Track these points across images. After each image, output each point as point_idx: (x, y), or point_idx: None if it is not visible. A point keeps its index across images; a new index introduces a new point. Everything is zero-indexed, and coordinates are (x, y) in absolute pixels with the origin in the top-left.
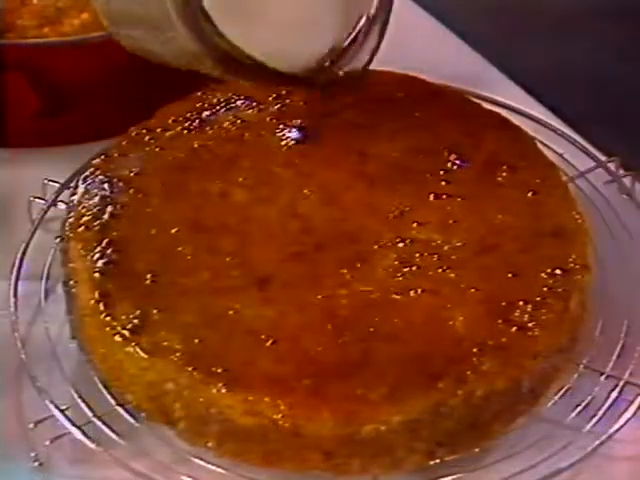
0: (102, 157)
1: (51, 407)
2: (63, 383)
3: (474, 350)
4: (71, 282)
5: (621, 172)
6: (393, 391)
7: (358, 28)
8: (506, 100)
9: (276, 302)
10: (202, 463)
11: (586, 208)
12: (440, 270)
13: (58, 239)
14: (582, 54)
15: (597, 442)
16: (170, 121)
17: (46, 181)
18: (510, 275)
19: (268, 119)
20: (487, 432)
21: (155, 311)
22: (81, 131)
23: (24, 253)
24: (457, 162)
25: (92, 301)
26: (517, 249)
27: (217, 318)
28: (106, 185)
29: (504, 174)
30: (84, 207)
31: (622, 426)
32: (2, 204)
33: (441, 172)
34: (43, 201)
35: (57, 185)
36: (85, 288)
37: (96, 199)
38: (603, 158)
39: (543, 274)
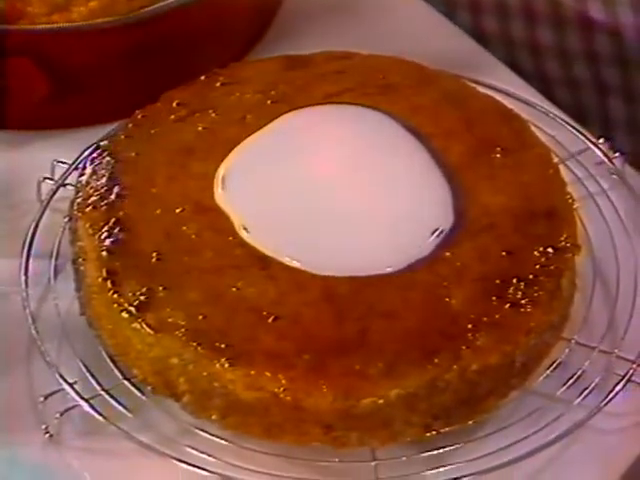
0: (109, 139)
1: (60, 381)
2: (72, 358)
3: (469, 327)
4: (80, 260)
5: (611, 154)
6: (390, 366)
7: None
8: (499, 84)
9: (277, 280)
10: (206, 435)
11: (577, 189)
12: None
13: (67, 218)
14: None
15: (587, 415)
16: (175, 104)
17: (55, 162)
18: (504, 254)
19: (269, 102)
20: (481, 406)
21: (160, 289)
22: (89, 114)
23: (34, 232)
24: (450, 143)
25: (100, 279)
26: (510, 229)
27: (220, 296)
28: (113, 166)
29: (498, 156)
30: (92, 187)
31: (612, 399)
32: (12, 185)
33: (436, 154)
34: (52, 182)
35: (66, 166)
36: (93, 266)
37: (103, 180)
38: (594, 140)
39: (536, 253)
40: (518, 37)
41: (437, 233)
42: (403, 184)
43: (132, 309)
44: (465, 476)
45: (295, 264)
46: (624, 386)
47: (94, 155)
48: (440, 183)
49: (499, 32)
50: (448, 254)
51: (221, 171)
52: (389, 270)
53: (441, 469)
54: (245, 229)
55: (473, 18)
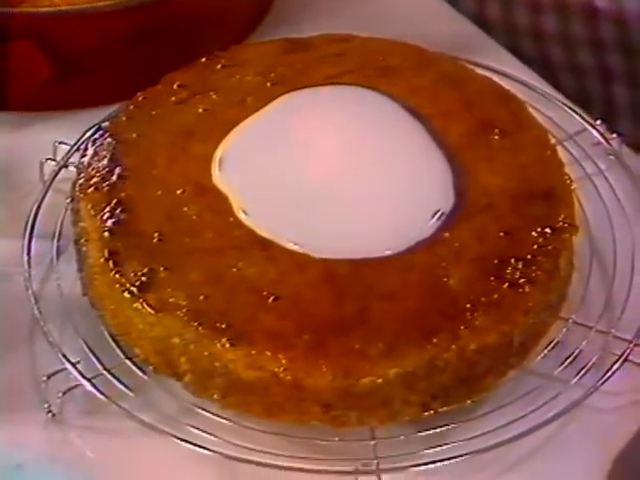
0: (110, 121)
1: (63, 360)
2: (74, 337)
3: (467, 307)
4: (82, 241)
5: (608, 135)
6: (390, 346)
7: None
8: (497, 65)
9: (277, 261)
10: (207, 414)
11: (575, 169)
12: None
13: (69, 199)
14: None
15: (585, 394)
16: (176, 86)
17: (57, 143)
18: (502, 234)
19: (269, 84)
20: (479, 385)
21: (162, 269)
22: (91, 96)
23: (36, 213)
24: (450, 125)
25: (102, 259)
26: (509, 209)
27: (221, 276)
28: (114, 147)
29: (496, 137)
30: (93, 169)
31: (608, 378)
32: (15, 166)
33: (436, 135)
34: (54, 162)
35: (67, 147)
36: (95, 247)
37: (105, 161)
38: (591, 121)
39: (533, 233)
40: (522, 24)
41: (438, 215)
42: (403, 165)
43: (134, 289)
44: (463, 455)
45: (295, 247)
46: (621, 365)
47: (96, 136)
48: (440, 164)
49: (502, 19)
50: (447, 235)
51: (218, 153)
52: (389, 252)
53: (440, 448)
54: (244, 212)
55: (477, 5)
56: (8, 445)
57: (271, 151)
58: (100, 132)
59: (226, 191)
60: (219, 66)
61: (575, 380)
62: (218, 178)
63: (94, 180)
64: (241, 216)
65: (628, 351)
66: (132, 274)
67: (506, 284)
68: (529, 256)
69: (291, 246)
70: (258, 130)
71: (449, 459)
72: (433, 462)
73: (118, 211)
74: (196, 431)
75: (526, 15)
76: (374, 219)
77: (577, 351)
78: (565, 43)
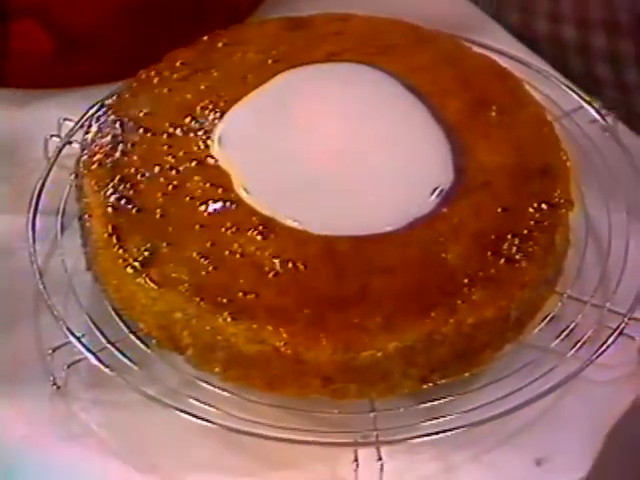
0: (113, 98)
1: (68, 334)
2: (79, 312)
3: (465, 281)
4: (85, 216)
5: (604, 111)
6: (389, 320)
7: None
8: (494, 44)
9: (278, 237)
10: (209, 387)
11: (571, 146)
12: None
13: (73, 176)
14: None
15: (580, 367)
16: (178, 64)
17: (61, 120)
18: (499, 210)
19: (270, 62)
20: (477, 358)
21: (164, 244)
22: (94, 74)
23: (41, 189)
24: (448, 103)
25: (105, 235)
26: (506, 186)
27: (223, 251)
28: (117, 124)
29: (493, 114)
30: (97, 145)
31: (604, 351)
32: (19, 142)
33: (435, 112)
34: (59, 139)
35: (72, 124)
36: (98, 222)
37: (108, 138)
38: (587, 98)
39: (530, 209)
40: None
41: (437, 192)
42: (403, 142)
43: (137, 264)
44: (461, 427)
45: (295, 224)
46: (616, 339)
47: (99, 113)
48: (440, 141)
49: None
50: (446, 211)
51: (219, 129)
52: (388, 229)
53: (438, 420)
54: (245, 190)
55: None
56: (14, 417)
57: (271, 128)
58: (103, 109)
59: (227, 168)
60: (220, 44)
61: (571, 353)
62: (218, 154)
63: (98, 157)
64: (242, 194)
65: (623, 325)
66: (135, 249)
67: (503, 259)
68: (526, 232)
69: (291, 223)
70: (258, 107)
71: (447, 431)
72: (431, 434)
73: (121, 187)
74: (198, 404)
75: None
76: (374, 196)
77: (573, 325)
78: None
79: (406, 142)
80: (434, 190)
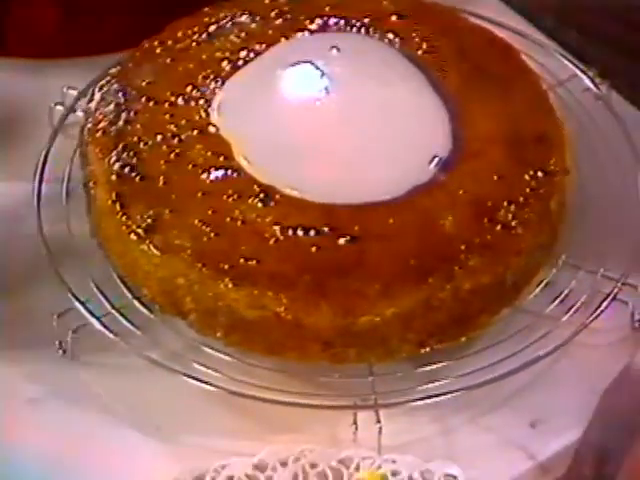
0: (117, 67)
1: (73, 300)
2: (84, 278)
3: (462, 248)
4: (90, 184)
5: (598, 80)
6: (387, 286)
7: None
8: (491, 15)
9: (279, 204)
10: (211, 352)
11: (566, 115)
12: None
13: (77, 143)
14: None
15: (574, 331)
16: (180, 34)
17: (66, 89)
18: (496, 178)
19: (270, 32)
20: (473, 323)
21: (167, 211)
22: (98, 43)
23: (46, 156)
24: (446, 72)
25: (109, 202)
26: (502, 154)
27: (224, 218)
28: (121, 93)
29: (490, 84)
30: (101, 113)
31: (598, 316)
32: (25, 111)
33: (434, 82)
34: (63, 107)
35: (76, 93)
36: (103, 189)
37: (112, 106)
38: (582, 67)
39: (526, 176)
40: None
41: (435, 160)
42: (402, 111)
43: (140, 231)
44: (458, 390)
45: (295, 194)
46: (609, 304)
47: (102, 82)
48: (438, 110)
49: None
50: (443, 179)
51: (218, 97)
52: (387, 197)
53: (435, 384)
54: (245, 159)
55: None
56: (21, 380)
57: (270, 97)
58: (107, 78)
59: (226, 136)
60: (222, 14)
61: (565, 318)
62: (218, 122)
63: (102, 125)
64: (243, 163)
65: (616, 290)
66: (138, 216)
67: (499, 226)
68: (522, 199)
69: (291, 192)
70: (257, 76)
71: (444, 394)
72: (429, 397)
73: (125, 155)
74: (201, 368)
75: None
76: (373, 164)
77: (567, 290)
78: None
79: (405, 111)
80: (432, 158)
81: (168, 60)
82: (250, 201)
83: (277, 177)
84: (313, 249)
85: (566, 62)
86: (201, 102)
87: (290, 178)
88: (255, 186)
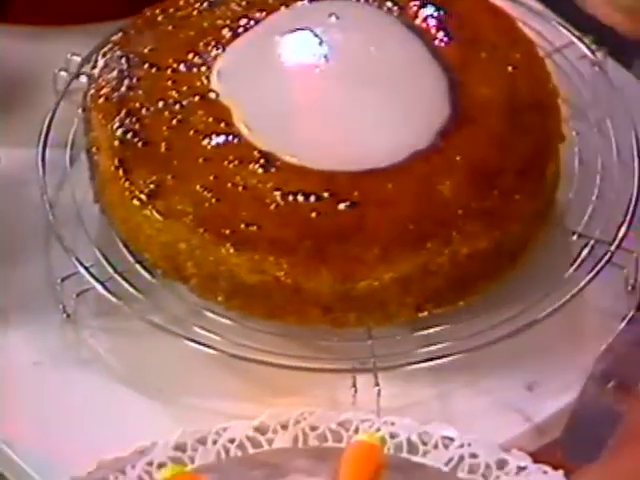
0: (120, 34)
1: (77, 264)
2: (87, 243)
3: (459, 213)
4: (93, 150)
5: (594, 47)
6: (386, 251)
7: None
8: None
9: (279, 170)
10: (213, 316)
11: (562, 81)
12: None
13: (81, 109)
14: None
15: (569, 295)
16: (182, 2)
17: (70, 55)
18: (493, 144)
19: (270, 1)
20: (471, 288)
21: (169, 177)
22: (100, 11)
23: (50, 122)
24: (444, 40)
25: (112, 167)
26: (499, 120)
27: (226, 184)
28: (123, 60)
29: (487, 51)
30: (104, 80)
31: (592, 279)
32: (29, 77)
33: (432, 49)
34: (67, 74)
35: (79, 59)
36: (106, 155)
37: (114, 73)
38: (578, 34)
39: (523, 143)
40: None
41: (435, 127)
42: (401, 77)
43: (142, 196)
44: (455, 353)
45: (295, 161)
46: (603, 267)
47: (105, 49)
48: (437, 77)
49: None
50: (442, 145)
51: (218, 64)
52: (386, 163)
53: (433, 347)
54: (246, 126)
55: None
56: (26, 344)
57: (270, 63)
58: (110, 45)
59: (226, 102)
60: None
61: (561, 282)
62: (218, 88)
63: (104, 91)
64: (243, 130)
65: (611, 254)
66: (141, 182)
67: (496, 191)
68: (518, 164)
69: (291, 159)
70: (257, 43)
71: (442, 357)
72: (427, 360)
73: (127, 121)
74: (202, 331)
75: None
76: (372, 131)
77: (563, 255)
78: None
79: (403, 78)
80: (431, 125)
81: (170, 27)
82: (251, 167)
83: (277, 144)
84: (313, 214)
85: (562, 29)
86: (202, 69)
87: (290, 145)
88: (256, 152)
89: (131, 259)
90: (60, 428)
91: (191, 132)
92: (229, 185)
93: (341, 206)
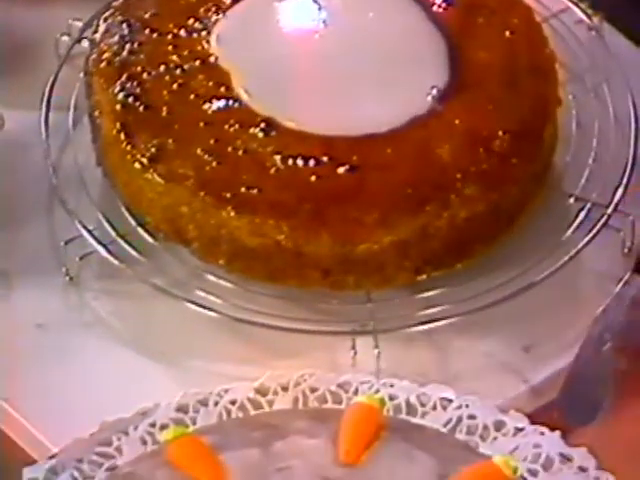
0: (121, 0)
1: (80, 227)
2: (90, 206)
3: (458, 177)
4: (95, 113)
5: (590, 12)
6: (385, 215)
7: None
8: None
9: (280, 134)
10: (214, 279)
11: (559, 46)
12: None
13: (82, 74)
14: None
15: (567, 257)
16: None
17: (72, 20)
18: (491, 108)
19: None
20: (469, 251)
21: (171, 141)
22: None
23: (52, 86)
24: (442, 5)
25: (114, 131)
26: (497, 85)
27: (226, 148)
28: (124, 25)
29: (485, 16)
30: (105, 45)
31: (589, 242)
32: (31, 42)
33: (431, 15)
34: (68, 38)
35: (81, 24)
36: (108, 119)
37: (116, 38)
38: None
39: (520, 106)
40: None
41: (433, 92)
42: (401, 43)
43: (144, 160)
44: (453, 316)
45: (294, 126)
46: (600, 229)
47: (107, 14)
48: (436, 42)
49: None
50: (440, 110)
51: (217, 28)
52: (386, 128)
53: (432, 310)
54: (245, 92)
55: None
56: (29, 306)
57: (269, 29)
58: (111, 10)
59: (226, 66)
60: None
61: (558, 245)
62: (217, 53)
63: (106, 55)
64: (243, 96)
65: (607, 216)
66: (142, 146)
67: (494, 155)
68: (516, 128)
69: (290, 124)
70: (257, 8)
71: (440, 320)
72: (426, 323)
73: (129, 85)
74: (204, 294)
75: None
76: (371, 96)
77: (560, 218)
78: None
79: (402, 43)
80: (430, 90)
81: None
82: (251, 131)
83: (276, 109)
84: (313, 178)
85: None
86: (203, 34)
87: (289, 110)
88: (256, 118)
89: (133, 222)
90: (63, 390)
91: (192, 96)
92: (230, 149)
93: (340, 170)
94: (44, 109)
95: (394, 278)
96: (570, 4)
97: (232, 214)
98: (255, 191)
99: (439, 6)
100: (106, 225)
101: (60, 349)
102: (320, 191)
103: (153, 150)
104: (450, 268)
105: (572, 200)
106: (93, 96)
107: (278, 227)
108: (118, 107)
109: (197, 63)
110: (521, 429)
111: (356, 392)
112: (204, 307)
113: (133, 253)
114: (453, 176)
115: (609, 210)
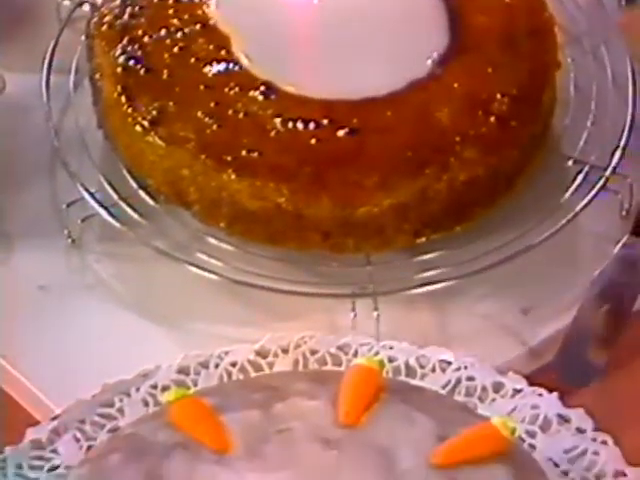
0: None
1: (81, 190)
2: (92, 169)
3: (457, 140)
4: (96, 76)
5: None
6: (384, 178)
7: None
8: None
9: (280, 97)
10: (215, 242)
11: (557, 9)
12: None
13: (84, 37)
14: None
15: (566, 219)
16: None
17: None
18: (490, 71)
19: None
20: (468, 214)
21: (171, 104)
22: None
23: (54, 49)
24: None
25: (115, 94)
26: (496, 48)
27: (227, 111)
28: None
29: None
30: (106, 8)
31: (588, 203)
32: (33, 6)
33: None
34: (70, 1)
35: None
36: (109, 82)
37: (117, 1)
38: None
39: (519, 70)
40: None
41: (433, 55)
42: (400, 6)
43: (145, 123)
44: (453, 278)
45: (294, 90)
46: (598, 192)
47: None
48: (436, 5)
49: None
50: (440, 73)
51: None
52: (385, 92)
53: (431, 272)
54: (245, 56)
55: None
56: (31, 268)
57: None
58: None
59: (225, 30)
60: None
61: (556, 207)
62: (216, 16)
63: (107, 19)
64: (243, 60)
65: (605, 178)
66: (143, 108)
67: (493, 118)
68: (515, 91)
69: (290, 89)
70: None
71: (439, 282)
72: (425, 285)
73: (130, 48)
74: (205, 257)
75: None
76: (371, 60)
77: (558, 180)
78: None
79: (402, 6)
80: (429, 53)
81: None
82: (251, 94)
83: (276, 74)
84: (313, 141)
85: None
86: None
87: (289, 74)
88: (256, 82)
89: (134, 185)
90: (64, 351)
91: (192, 59)
92: (230, 112)
93: (340, 133)
94: (45, 72)
95: (393, 241)
96: None
97: (233, 177)
98: (255, 154)
99: None
100: (108, 188)
101: (62, 311)
102: (320, 154)
103: (154, 113)
104: (449, 231)
105: (570, 163)
106: (94, 59)
107: (278, 190)
108: (119, 70)
109: (197, 27)
110: (519, 390)
111: (356, 354)
112: (205, 269)
113: (134, 216)
114: (452, 139)
115: (607, 172)
